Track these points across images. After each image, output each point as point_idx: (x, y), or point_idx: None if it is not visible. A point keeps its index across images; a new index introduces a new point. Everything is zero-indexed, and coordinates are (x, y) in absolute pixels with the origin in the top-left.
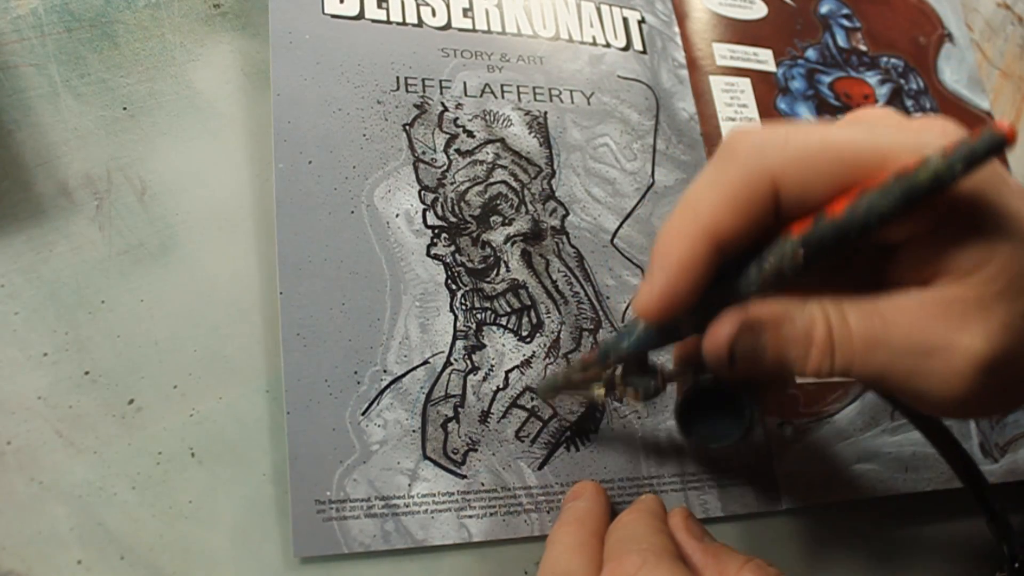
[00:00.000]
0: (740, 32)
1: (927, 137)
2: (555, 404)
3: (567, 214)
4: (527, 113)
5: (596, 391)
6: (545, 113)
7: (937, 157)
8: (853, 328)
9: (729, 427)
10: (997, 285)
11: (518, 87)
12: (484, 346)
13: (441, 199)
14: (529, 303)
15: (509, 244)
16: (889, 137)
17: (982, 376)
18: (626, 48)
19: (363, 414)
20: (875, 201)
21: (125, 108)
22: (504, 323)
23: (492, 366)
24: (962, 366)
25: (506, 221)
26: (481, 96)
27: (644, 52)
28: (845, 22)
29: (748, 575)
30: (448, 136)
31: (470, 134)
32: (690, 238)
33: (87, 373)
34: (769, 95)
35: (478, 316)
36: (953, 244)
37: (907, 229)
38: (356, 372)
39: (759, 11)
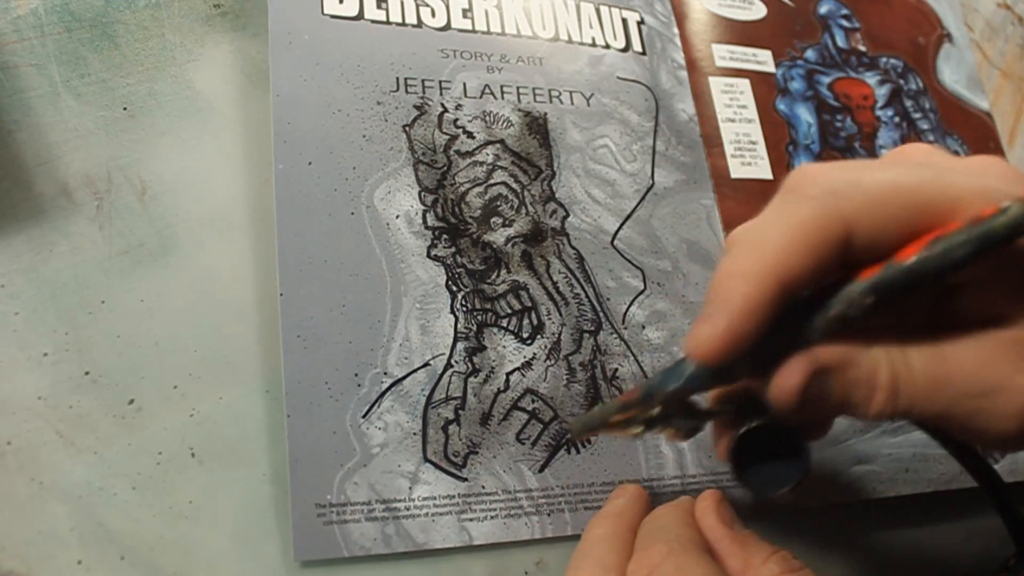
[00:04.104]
0: (739, 33)
1: (992, 181)
2: (559, 408)
3: (567, 215)
4: (527, 114)
5: (634, 431)
6: (545, 114)
7: (1017, 206)
8: (916, 371)
9: (786, 470)
10: None
11: (518, 88)
12: (485, 348)
13: (441, 200)
14: (530, 304)
15: (510, 245)
16: (958, 182)
17: None
18: (625, 49)
19: (363, 417)
20: (950, 248)
21: (125, 108)
22: (505, 324)
23: (493, 368)
24: (1022, 405)
25: (506, 222)
26: (481, 97)
27: (643, 53)
28: (844, 22)
29: (773, 567)
30: (448, 137)
31: (470, 135)
32: (756, 278)
33: (87, 373)
34: (768, 96)
35: (479, 318)
36: (1017, 286)
37: (974, 272)
38: (356, 374)
39: (758, 12)
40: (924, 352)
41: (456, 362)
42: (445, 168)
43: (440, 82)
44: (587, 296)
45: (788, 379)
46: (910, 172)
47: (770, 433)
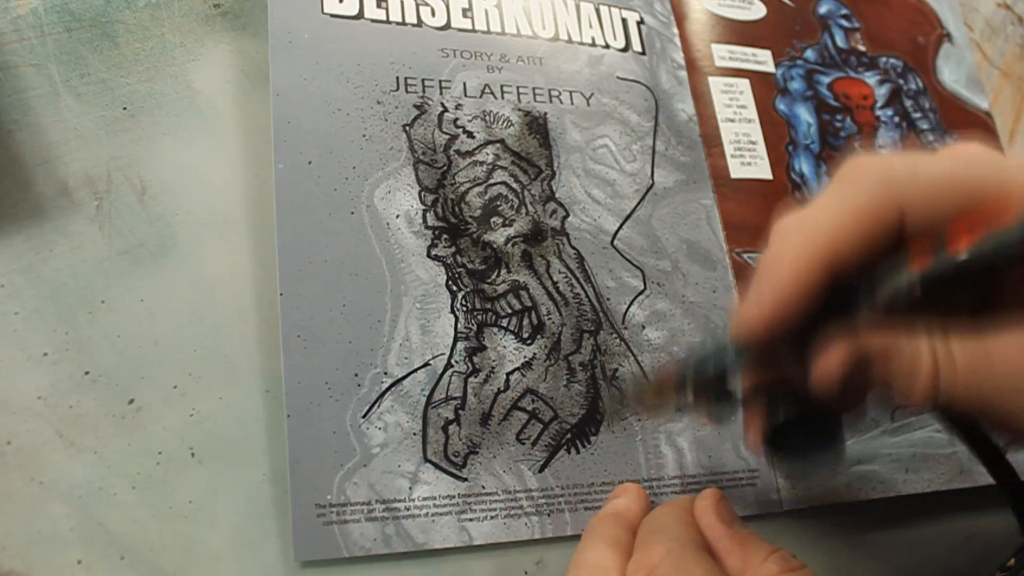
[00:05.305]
0: (739, 33)
1: None
2: (559, 408)
3: (567, 215)
4: (527, 114)
5: (666, 414)
6: (545, 114)
7: None
8: (958, 362)
9: (823, 454)
10: None
11: (518, 88)
12: (485, 348)
13: (441, 200)
14: (530, 304)
15: (510, 245)
16: (1013, 175)
17: None
18: (625, 49)
19: (363, 417)
20: (1003, 242)
21: (125, 108)
22: (505, 324)
23: (493, 368)
24: None
25: (506, 222)
26: (481, 97)
27: (643, 53)
28: (844, 22)
29: (772, 566)
30: (448, 137)
31: (470, 135)
32: (807, 257)
33: (87, 373)
34: (768, 96)
35: (479, 317)
36: None
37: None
38: (356, 374)
39: (758, 12)
40: (967, 343)
41: (456, 362)
42: (445, 168)
43: (440, 82)
44: (587, 296)
45: (830, 364)
46: (966, 163)
47: (805, 424)
